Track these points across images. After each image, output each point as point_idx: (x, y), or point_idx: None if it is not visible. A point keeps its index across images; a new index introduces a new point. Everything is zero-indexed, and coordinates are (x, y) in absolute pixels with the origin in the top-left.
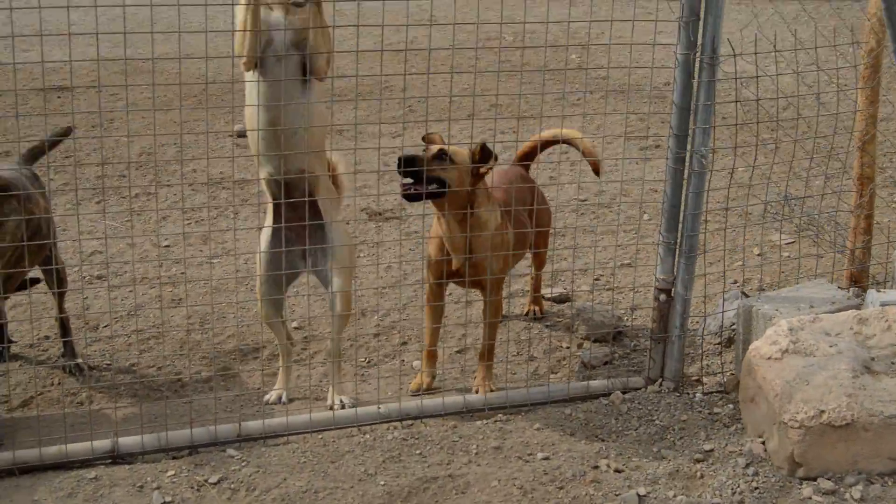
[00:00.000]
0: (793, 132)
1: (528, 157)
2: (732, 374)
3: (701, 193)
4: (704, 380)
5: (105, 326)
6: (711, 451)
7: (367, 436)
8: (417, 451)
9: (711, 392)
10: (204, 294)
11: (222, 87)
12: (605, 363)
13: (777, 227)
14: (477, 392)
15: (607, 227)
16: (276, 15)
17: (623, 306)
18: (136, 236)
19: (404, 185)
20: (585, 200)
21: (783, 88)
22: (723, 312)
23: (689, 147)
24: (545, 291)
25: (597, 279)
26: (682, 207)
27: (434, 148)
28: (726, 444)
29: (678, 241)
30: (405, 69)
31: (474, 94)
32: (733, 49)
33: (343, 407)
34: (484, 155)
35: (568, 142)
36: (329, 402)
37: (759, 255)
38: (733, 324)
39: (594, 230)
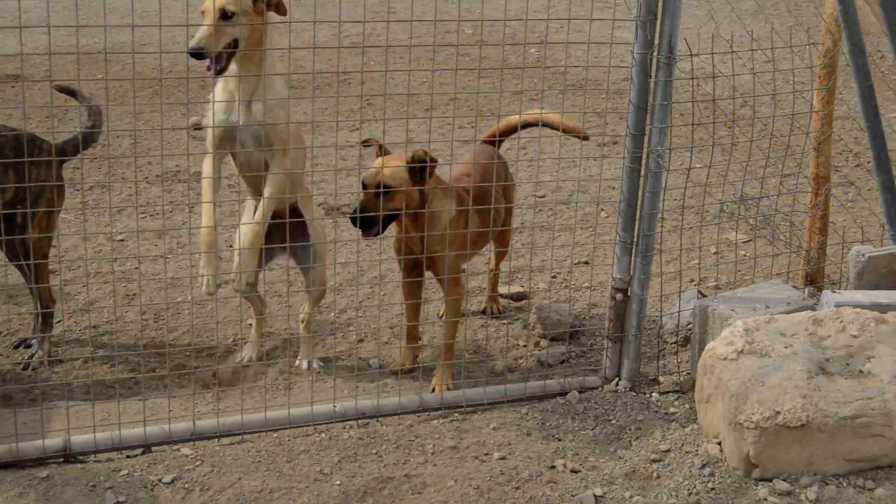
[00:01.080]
0: (749, 131)
1: (505, 134)
2: (688, 374)
3: (657, 193)
4: (661, 379)
5: (57, 322)
6: (668, 451)
7: (323, 435)
8: (373, 451)
9: (668, 392)
10: (158, 290)
11: (178, 79)
12: (562, 362)
13: (733, 226)
14: (434, 391)
15: (564, 224)
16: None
17: (580, 304)
18: (89, 231)
19: (365, 235)
20: (543, 197)
21: (740, 87)
22: (679, 312)
23: (645, 146)
24: (502, 289)
25: (553, 277)
26: (639, 206)
27: (371, 186)
28: (682, 445)
29: (634, 240)
30: (363, 64)
31: (432, 89)
32: (690, 48)
33: (309, 367)
34: (420, 163)
35: (548, 124)
36: (297, 362)
37: (715, 253)
38: (689, 323)
39: (551, 227)
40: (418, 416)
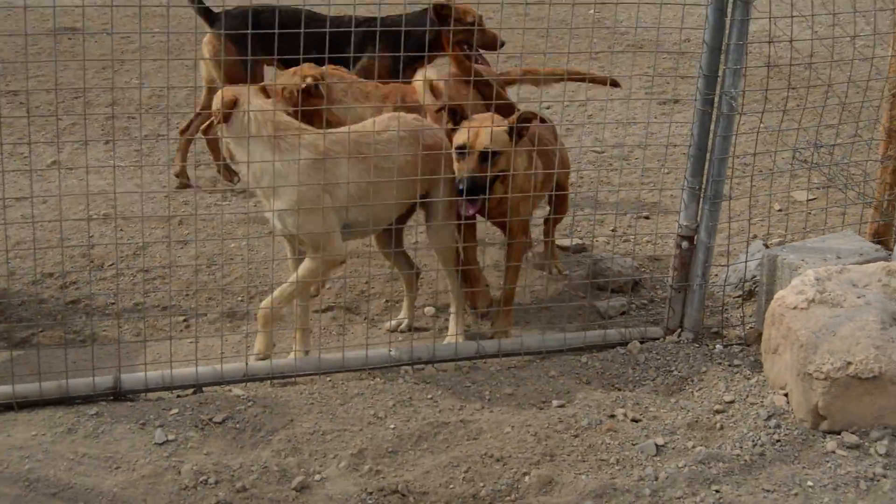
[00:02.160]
0: (825, 77)
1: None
2: (752, 328)
3: (729, 137)
4: (724, 332)
5: (111, 265)
6: (732, 402)
7: (378, 379)
8: (429, 396)
9: (731, 344)
10: (212, 235)
11: None
12: (622, 313)
13: (803, 180)
14: (493, 337)
15: (625, 180)
16: None
17: (641, 258)
18: (144, 177)
19: (470, 205)
20: (603, 153)
21: (818, 31)
22: (746, 262)
23: (718, 89)
24: (563, 242)
25: (613, 230)
26: (709, 151)
27: (476, 149)
28: (747, 396)
29: (703, 186)
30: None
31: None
32: None
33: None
34: (526, 122)
35: (574, 77)
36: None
37: (779, 210)
38: (755, 276)
39: (610, 182)
40: (475, 363)
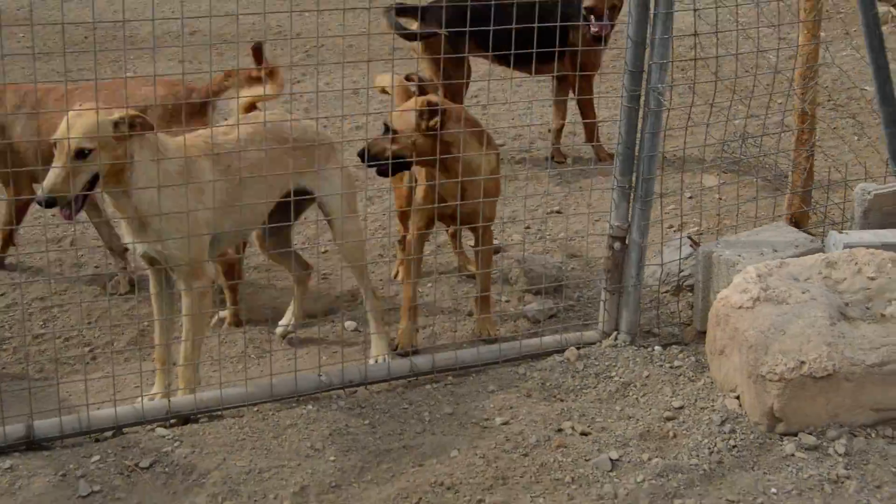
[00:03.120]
0: (750, 67)
1: None
2: (689, 325)
3: (658, 134)
4: (656, 330)
5: (2, 295)
6: (681, 408)
7: (310, 406)
8: (366, 422)
9: (669, 344)
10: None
11: (109, 30)
12: (550, 317)
13: (712, 169)
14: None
15: (530, 173)
16: None
17: (558, 255)
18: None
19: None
20: (503, 145)
21: (743, 20)
22: (679, 260)
23: (643, 84)
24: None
25: (527, 228)
26: (637, 149)
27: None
28: (696, 400)
29: (633, 184)
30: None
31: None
32: None
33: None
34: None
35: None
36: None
37: (690, 197)
38: (681, 270)
39: (516, 177)
40: (409, 382)
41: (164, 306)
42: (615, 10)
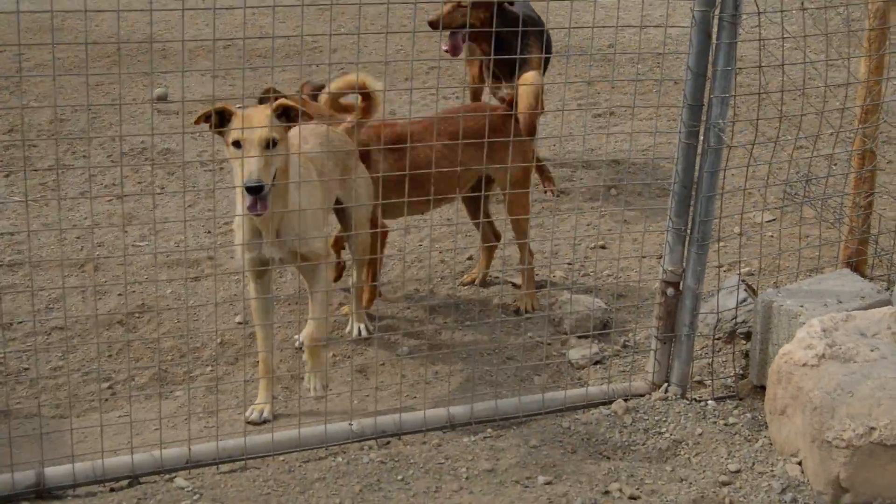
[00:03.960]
0: (818, 104)
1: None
2: (745, 378)
3: (717, 173)
4: (707, 382)
5: (20, 323)
6: (738, 472)
7: (339, 458)
8: (398, 477)
9: (723, 397)
10: (132, 283)
11: (138, 46)
12: (596, 363)
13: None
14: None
15: (572, 204)
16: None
17: (604, 294)
18: (50, 218)
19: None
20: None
21: (810, 56)
22: (736, 308)
23: (703, 119)
24: (516, 279)
25: (569, 264)
26: (695, 188)
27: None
28: (753, 464)
29: (689, 227)
30: (330, 28)
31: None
32: (758, 5)
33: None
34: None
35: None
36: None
37: (740, 234)
38: (735, 317)
39: (558, 209)
40: (445, 433)
41: (269, 313)
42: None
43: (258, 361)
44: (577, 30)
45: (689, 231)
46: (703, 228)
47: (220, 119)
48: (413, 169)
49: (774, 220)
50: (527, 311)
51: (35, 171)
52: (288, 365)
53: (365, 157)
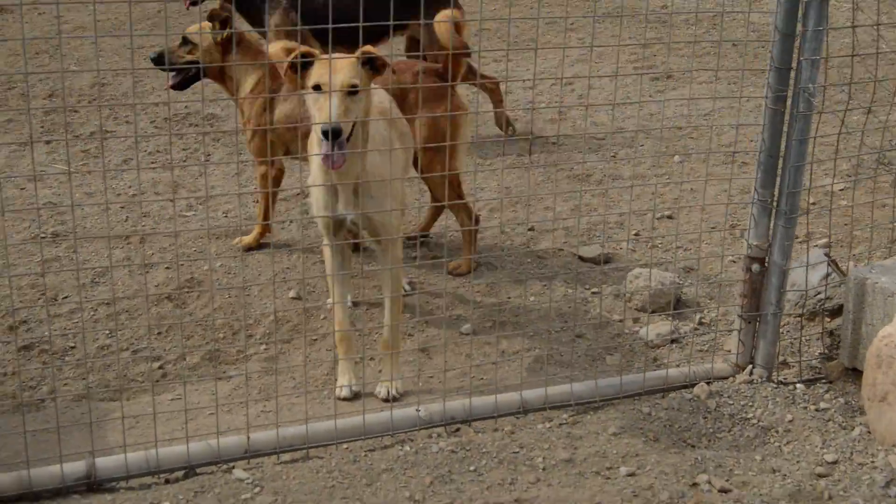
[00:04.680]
0: None
1: None
2: (833, 360)
3: (806, 141)
4: (791, 361)
5: (65, 298)
6: (835, 463)
7: (407, 447)
8: (471, 467)
9: (810, 379)
10: (182, 257)
11: (180, 6)
12: (671, 341)
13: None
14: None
15: (634, 171)
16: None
17: (675, 268)
18: (93, 187)
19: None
20: (603, 139)
21: None
22: (826, 284)
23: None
24: (582, 251)
25: (636, 234)
26: (782, 158)
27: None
28: (852, 454)
29: (776, 198)
30: None
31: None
32: None
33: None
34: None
35: None
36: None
37: (813, 204)
38: (819, 293)
39: (620, 176)
40: (517, 419)
41: (346, 283)
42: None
43: (336, 340)
44: None
45: (775, 203)
46: (790, 200)
47: (303, 65)
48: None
49: (846, 188)
50: (459, 276)
51: (77, 137)
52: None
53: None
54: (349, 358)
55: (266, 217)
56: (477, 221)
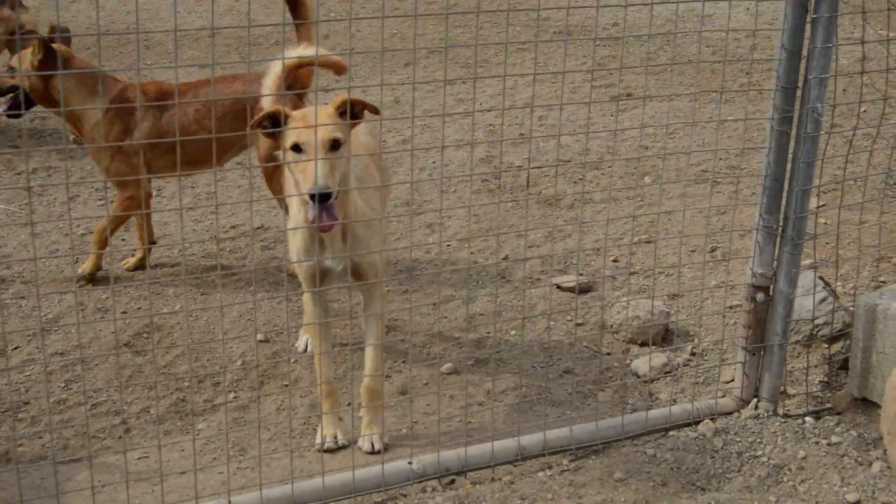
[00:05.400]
0: None
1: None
2: (841, 390)
3: (813, 163)
4: (790, 391)
5: (15, 349)
6: (858, 503)
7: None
8: None
9: (816, 410)
10: (138, 298)
11: (118, 38)
12: (665, 374)
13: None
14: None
15: (605, 195)
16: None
17: (659, 295)
18: (40, 222)
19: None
20: (569, 161)
21: None
22: (834, 312)
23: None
24: (559, 279)
25: (615, 261)
26: (787, 181)
27: None
28: (874, 492)
29: (781, 224)
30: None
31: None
32: None
33: (373, 451)
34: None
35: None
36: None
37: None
38: (816, 318)
39: (591, 199)
40: (515, 466)
41: (328, 336)
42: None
43: (321, 393)
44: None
45: (780, 229)
46: (797, 225)
47: (273, 122)
48: (172, 130)
49: (825, 205)
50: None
51: (17, 175)
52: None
53: (129, 114)
54: (334, 412)
55: (104, 244)
56: None
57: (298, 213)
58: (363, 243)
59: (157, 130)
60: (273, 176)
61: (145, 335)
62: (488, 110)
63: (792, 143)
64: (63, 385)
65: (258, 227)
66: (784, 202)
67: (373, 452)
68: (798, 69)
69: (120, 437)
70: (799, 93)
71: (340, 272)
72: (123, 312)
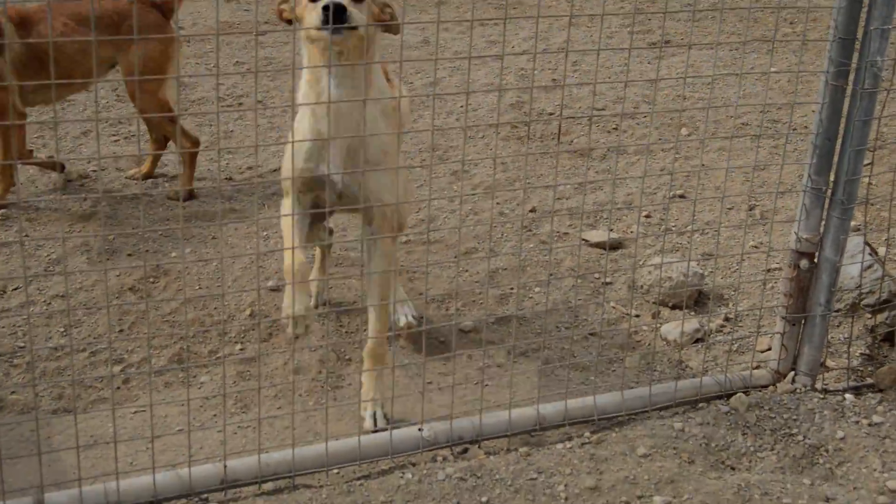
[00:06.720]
0: None
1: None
2: (882, 366)
3: (870, 122)
4: (828, 364)
5: (15, 290)
6: None
7: (409, 474)
8: (483, 499)
9: (857, 386)
10: (144, 243)
11: None
12: (696, 340)
13: None
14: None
15: (639, 145)
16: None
17: (688, 253)
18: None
19: None
20: (603, 110)
21: None
22: (881, 281)
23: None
24: (588, 235)
25: (647, 217)
26: (840, 140)
27: None
28: None
29: (830, 186)
30: None
31: None
32: None
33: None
34: None
35: None
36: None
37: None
38: (858, 286)
39: (625, 150)
40: (532, 437)
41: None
42: None
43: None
44: None
45: (830, 192)
46: (848, 188)
47: None
48: (42, 51)
49: (869, 163)
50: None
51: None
52: (337, 344)
53: None
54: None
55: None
56: (197, 143)
57: (311, 90)
58: (376, 172)
59: (28, 52)
60: (143, 92)
61: (151, 279)
62: (521, 53)
63: (846, 100)
64: (62, 330)
65: (274, 170)
66: (835, 163)
67: (375, 430)
68: (858, 19)
69: (118, 388)
70: (857, 45)
71: (336, 197)
72: (129, 255)
